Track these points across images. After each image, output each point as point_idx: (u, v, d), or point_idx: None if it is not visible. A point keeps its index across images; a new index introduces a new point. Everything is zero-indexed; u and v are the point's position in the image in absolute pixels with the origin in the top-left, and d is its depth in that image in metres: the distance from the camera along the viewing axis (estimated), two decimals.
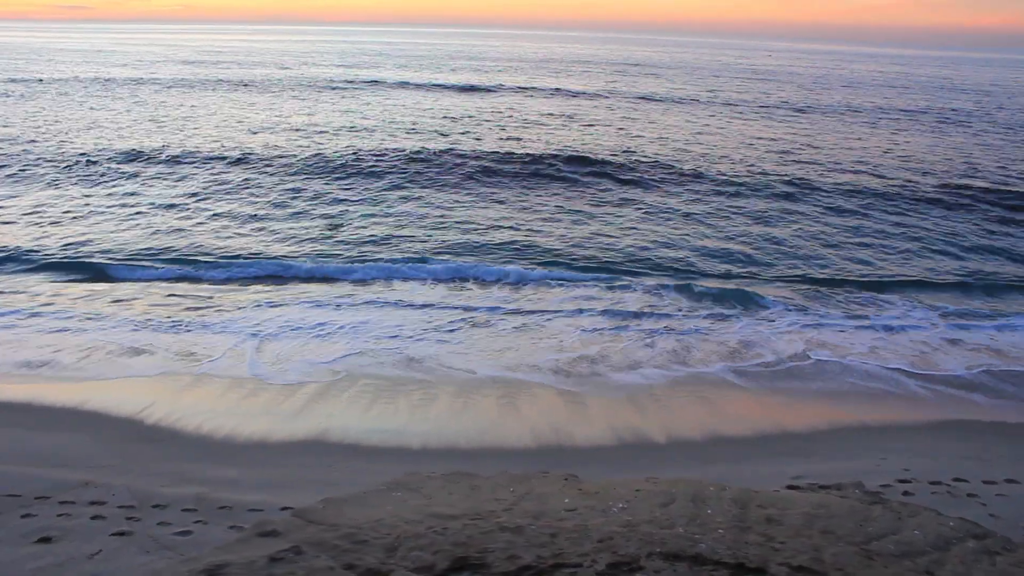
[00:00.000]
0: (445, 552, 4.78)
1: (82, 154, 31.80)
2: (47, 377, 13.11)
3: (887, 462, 10.51)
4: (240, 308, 16.58)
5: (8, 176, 28.50)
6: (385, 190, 28.10)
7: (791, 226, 24.86)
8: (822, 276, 20.18)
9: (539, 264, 20.33)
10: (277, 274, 19.08)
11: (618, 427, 12.05)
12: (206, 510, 8.44)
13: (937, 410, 13.25)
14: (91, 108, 46.92)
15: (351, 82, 67.42)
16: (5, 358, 13.84)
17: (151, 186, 27.73)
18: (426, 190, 28.18)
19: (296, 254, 20.61)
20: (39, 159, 30.96)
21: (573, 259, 20.74)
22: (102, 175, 28.89)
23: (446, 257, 20.56)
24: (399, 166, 31.27)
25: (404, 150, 33.65)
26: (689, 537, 5.08)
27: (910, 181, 31.71)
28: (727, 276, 20.05)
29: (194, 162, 31.61)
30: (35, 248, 20.28)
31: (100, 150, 32.75)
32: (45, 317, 15.76)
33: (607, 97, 60.44)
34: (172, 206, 25.10)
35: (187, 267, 19.23)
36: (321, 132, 38.89)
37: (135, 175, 29.17)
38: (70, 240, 21.12)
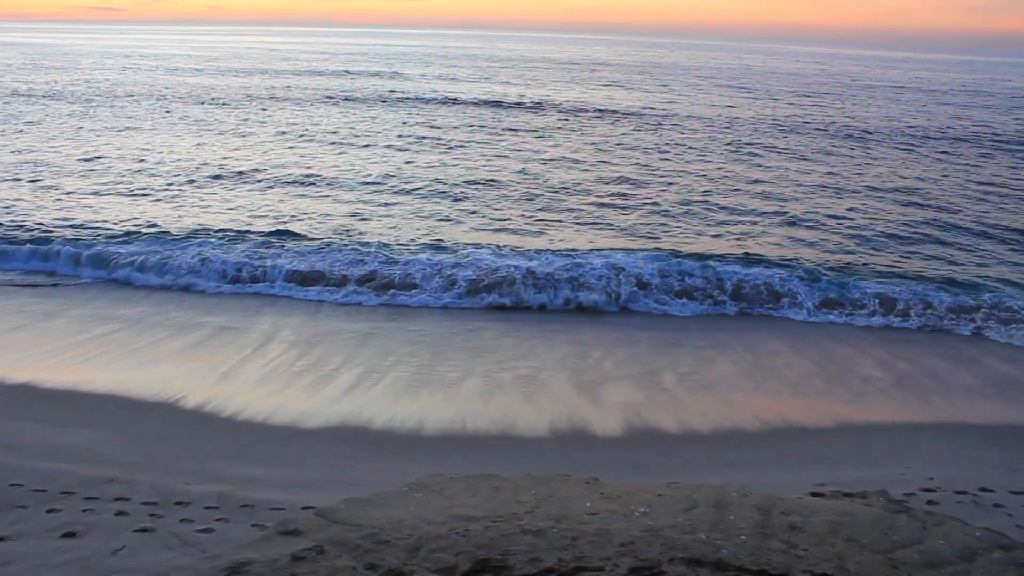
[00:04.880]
0: (467, 554, 4.79)
1: None
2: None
3: (911, 470, 10.40)
4: None
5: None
6: None
7: None
8: None
9: None
10: None
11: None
12: (228, 508, 8.50)
13: (962, 412, 13.14)
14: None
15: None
16: None
17: None
18: None
19: None
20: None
21: None
22: None
23: None
24: None
25: None
26: (711, 543, 5.06)
27: None
28: None
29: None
30: None
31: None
32: None
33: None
34: None
35: None
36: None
37: None
38: None
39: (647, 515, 5.45)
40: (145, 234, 21.68)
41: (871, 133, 46.65)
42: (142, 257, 19.43)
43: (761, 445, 11.76)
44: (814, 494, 7.64)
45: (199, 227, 22.59)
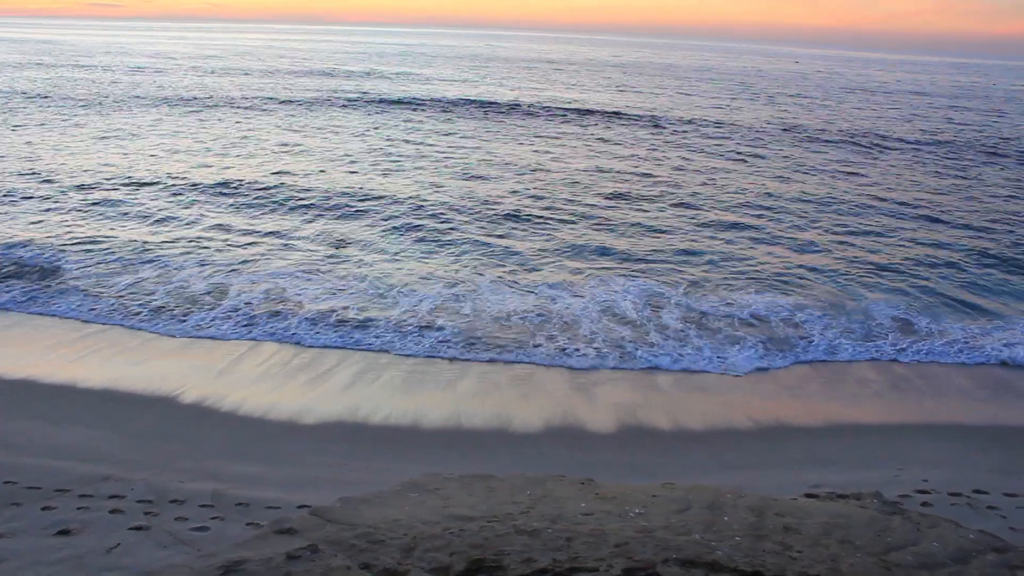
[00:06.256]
0: (461, 554, 4.79)
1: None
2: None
3: (906, 472, 10.43)
4: None
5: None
6: None
7: None
8: None
9: None
10: None
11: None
12: (223, 506, 8.50)
13: (957, 414, 13.17)
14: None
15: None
16: None
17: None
18: None
19: None
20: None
21: None
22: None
23: None
24: None
25: None
26: (705, 544, 5.06)
27: None
28: None
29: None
30: None
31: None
32: None
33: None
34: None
35: None
36: None
37: None
38: None
39: (642, 516, 5.46)
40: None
41: (876, 140, 46.27)
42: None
43: (756, 446, 11.78)
44: (809, 495, 7.65)
45: (146, 243, 20.71)
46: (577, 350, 15.07)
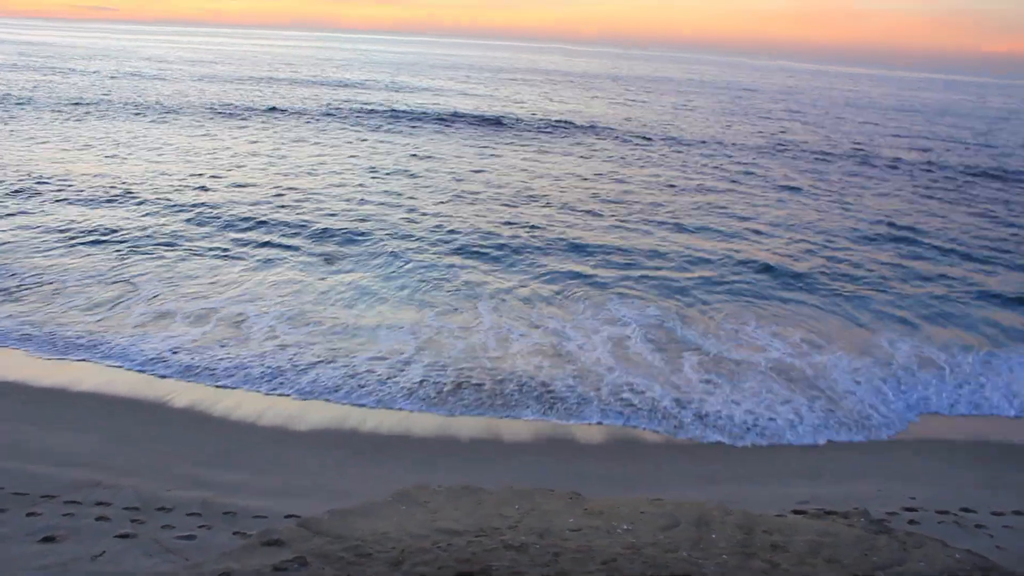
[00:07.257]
0: (449, 568, 4.79)
1: None
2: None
3: (893, 487, 10.46)
4: None
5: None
6: None
7: None
8: None
9: None
10: None
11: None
12: (210, 515, 8.46)
13: (945, 429, 13.22)
14: None
15: None
16: None
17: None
18: None
19: None
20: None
21: None
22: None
23: None
24: None
25: None
26: (693, 561, 5.07)
27: None
28: None
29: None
30: None
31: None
32: None
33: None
34: None
35: None
36: None
37: None
38: None
39: (630, 532, 5.46)
40: None
41: (871, 159, 45.82)
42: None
43: (745, 458, 11.80)
44: (796, 511, 7.67)
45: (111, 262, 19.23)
46: (621, 413, 12.96)
